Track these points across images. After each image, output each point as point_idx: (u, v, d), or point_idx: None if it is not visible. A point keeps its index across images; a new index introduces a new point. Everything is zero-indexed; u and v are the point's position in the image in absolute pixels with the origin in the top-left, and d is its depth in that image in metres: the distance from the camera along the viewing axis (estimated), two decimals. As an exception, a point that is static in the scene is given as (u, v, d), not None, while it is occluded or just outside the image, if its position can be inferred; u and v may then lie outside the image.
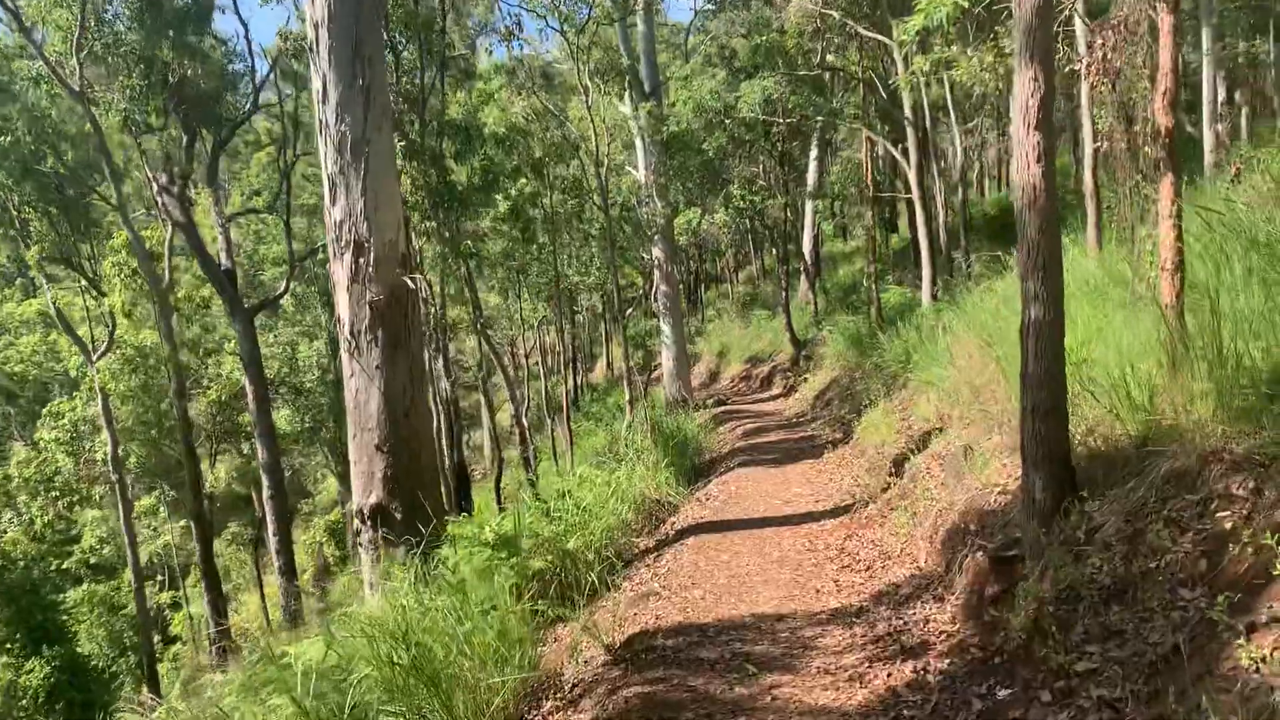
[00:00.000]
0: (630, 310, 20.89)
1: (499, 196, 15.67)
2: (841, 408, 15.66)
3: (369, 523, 8.76)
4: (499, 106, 15.38)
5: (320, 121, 8.44)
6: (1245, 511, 3.66)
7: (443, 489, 19.43)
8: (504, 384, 38.38)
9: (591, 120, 17.69)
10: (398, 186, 8.97)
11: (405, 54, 13.66)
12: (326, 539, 36.73)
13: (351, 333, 8.57)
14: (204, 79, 21.11)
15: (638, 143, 21.60)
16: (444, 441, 15.25)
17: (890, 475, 9.06)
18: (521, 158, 15.69)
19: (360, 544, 9.01)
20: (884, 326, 17.01)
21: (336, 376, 22.00)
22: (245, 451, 31.46)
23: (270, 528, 22.16)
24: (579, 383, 41.02)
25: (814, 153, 29.71)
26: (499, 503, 14.35)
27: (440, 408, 15.61)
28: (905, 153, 17.07)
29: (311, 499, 47.66)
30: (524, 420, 18.95)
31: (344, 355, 8.72)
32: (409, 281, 8.51)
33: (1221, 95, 16.98)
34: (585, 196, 20.83)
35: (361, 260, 8.43)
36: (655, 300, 23.99)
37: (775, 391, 23.58)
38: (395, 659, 4.97)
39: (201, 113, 22.08)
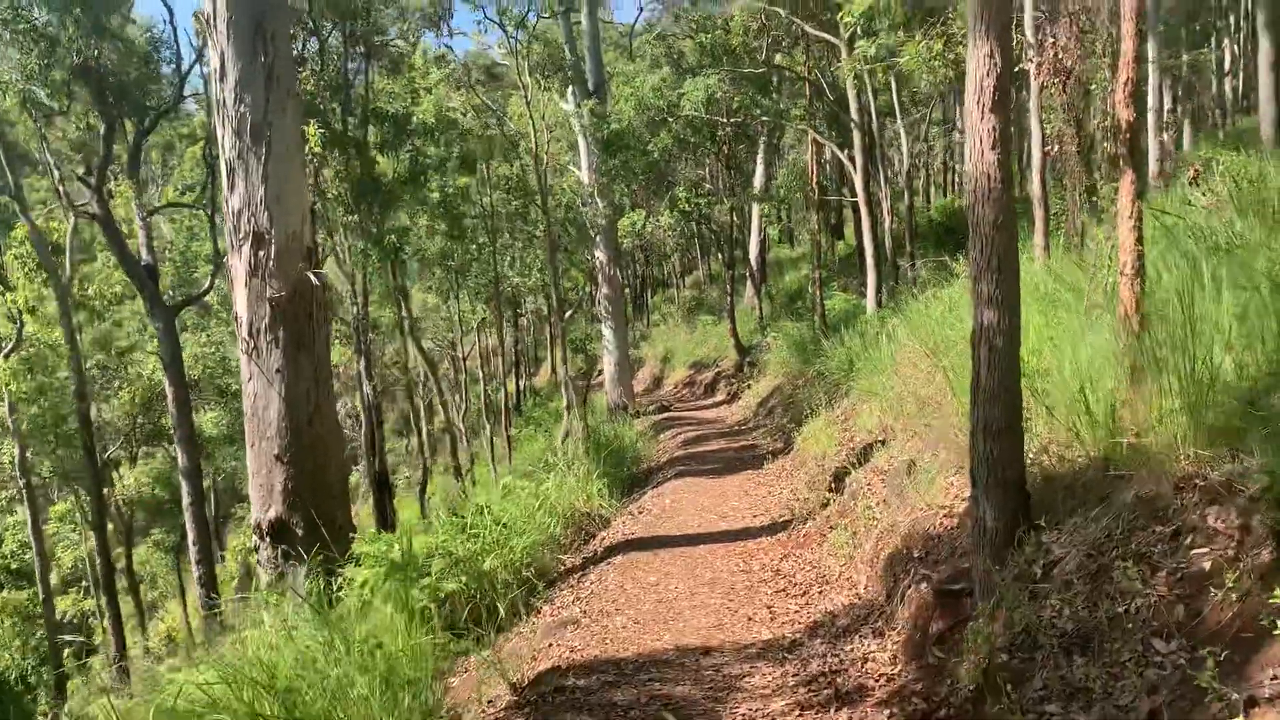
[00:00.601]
0: (571, 313, 20.28)
1: (429, 191, 14.95)
2: (784, 416, 15.20)
3: (267, 539, 8.06)
4: (434, 101, 14.65)
5: (217, 101, 7.73)
6: (1230, 551, 3.17)
7: (372, 499, 18.64)
8: (445, 388, 37.55)
9: (531, 117, 17.07)
10: (304, 174, 8.28)
11: (331, 40, 12.94)
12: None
13: (250, 332, 7.87)
14: (124, 64, 20.06)
15: (580, 142, 20.99)
16: (367, 449, 14.53)
17: (830, 490, 8.56)
18: (453, 151, 14.95)
19: (258, 562, 8.29)
20: (828, 333, 16.61)
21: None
22: (175, 454, 30.22)
23: (190, 536, 21.12)
24: (522, 387, 40.23)
25: (761, 156, 29.36)
26: (424, 514, 13.68)
27: (363, 412, 14.87)
28: (852, 157, 16.68)
29: (246, 503, 46.19)
30: (458, 425, 18.21)
31: (241, 357, 8.01)
32: (313, 277, 7.83)
33: (1167, 104, 16.83)
34: (529, 198, 20.20)
35: (261, 253, 7.73)
36: (597, 303, 23.39)
37: (719, 398, 23.10)
38: (258, 710, 4.31)
39: (123, 101, 21.02)
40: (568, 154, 25.41)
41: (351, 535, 8.13)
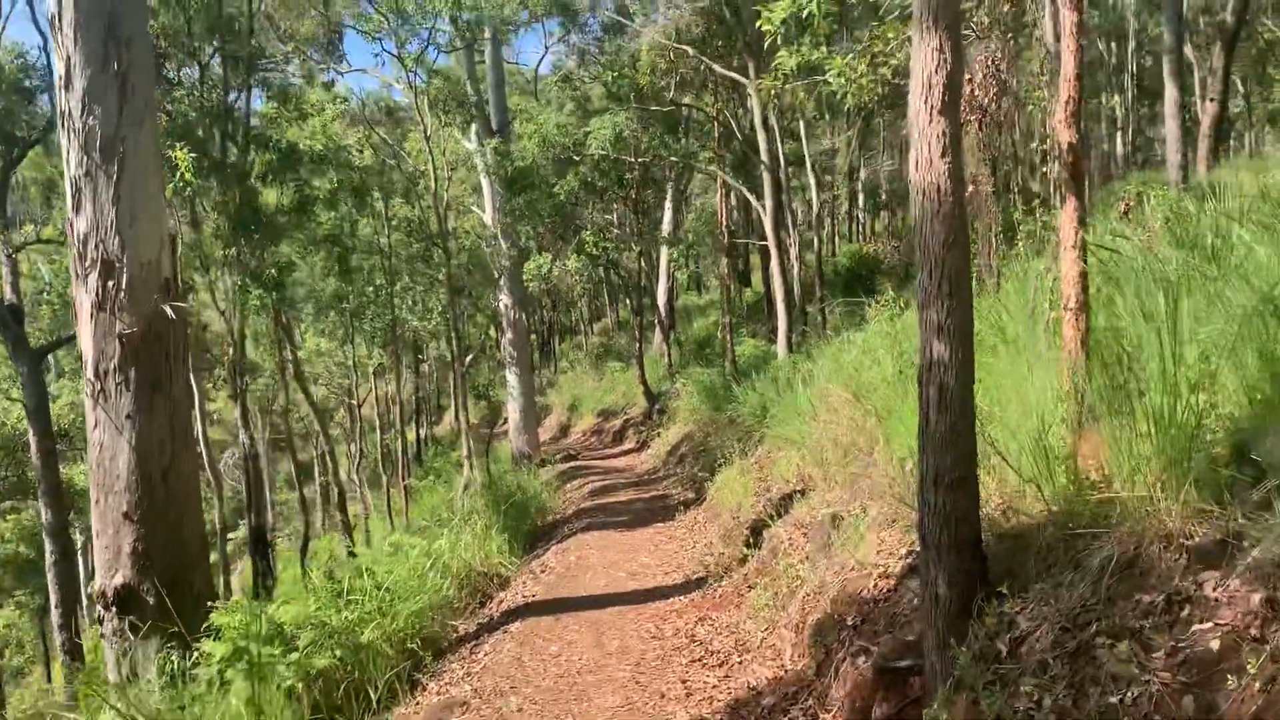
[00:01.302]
0: (472, 357, 19.45)
1: (318, 225, 14.00)
2: (695, 465, 14.63)
3: (113, 609, 7.05)
4: (321, 126, 13.74)
5: (62, 112, 6.84)
6: (1253, 629, 2.62)
7: (253, 561, 17.28)
8: (341, 436, 36.00)
9: (430, 153, 16.36)
10: (162, 195, 7.40)
11: (212, 64, 12.01)
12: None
13: (96, 373, 6.92)
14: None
15: (484, 182, 20.36)
16: (246, 504, 13.40)
17: (747, 544, 7.94)
18: (341, 182, 14.02)
19: (102, 635, 7.26)
20: (739, 379, 16.17)
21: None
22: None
23: (53, 598, 19.39)
24: (423, 436, 38.93)
25: (669, 201, 29.17)
26: (305, 575, 12.58)
27: (244, 464, 13.73)
28: (761, 200, 16.39)
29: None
30: (352, 477, 17.12)
31: (87, 401, 7.04)
32: (170, 310, 6.94)
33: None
34: (431, 240, 19.41)
35: (111, 283, 6.82)
36: (502, 349, 22.64)
37: (628, 446, 22.46)
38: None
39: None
40: (472, 196, 24.72)
41: (212, 604, 7.18)
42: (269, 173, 12.12)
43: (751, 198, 16.55)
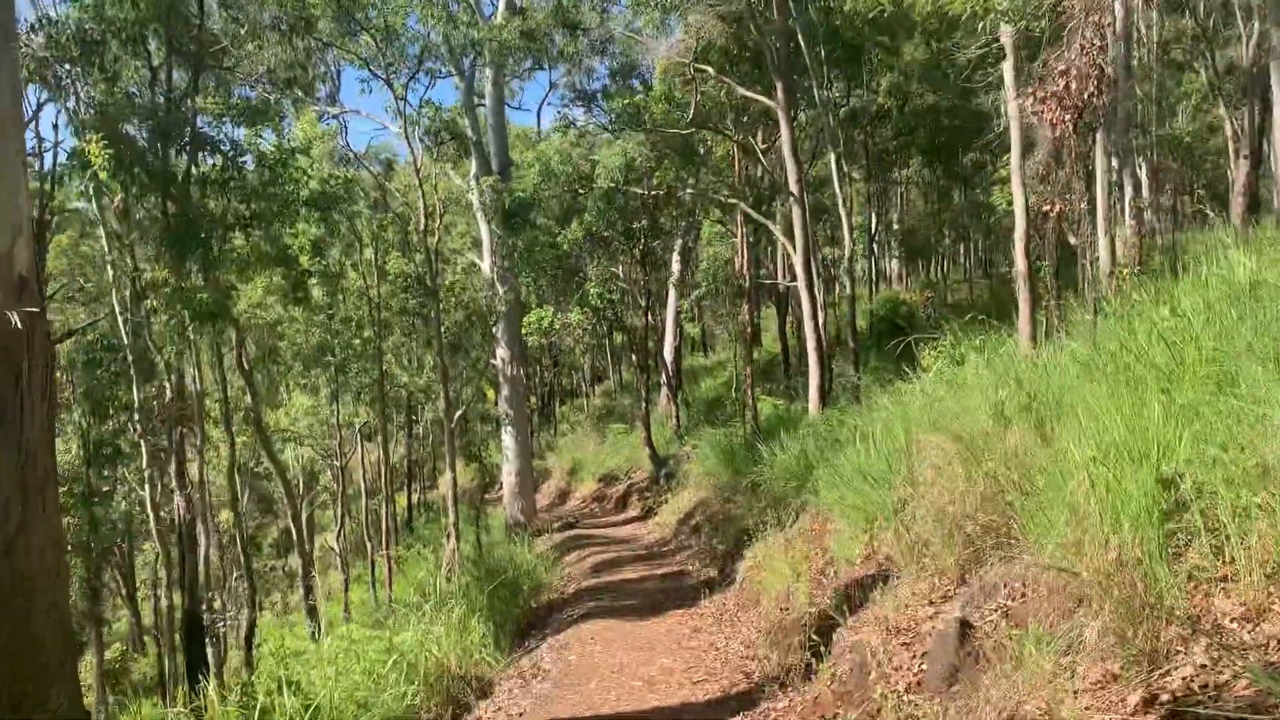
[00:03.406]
0: (462, 411, 17.52)
1: (290, 243, 12.18)
2: (713, 536, 12.64)
3: (-75, 741, 5.01)
4: (278, 139, 11.97)
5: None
6: None
7: (186, 653, 14.65)
8: (324, 503, 33.84)
9: (421, 188, 14.65)
10: (22, 167, 5.50)
11: (153, 49, 10.22)
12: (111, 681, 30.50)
13: (-86, 405, 4.97)
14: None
15: (481, 225, 18.73)
16: (182, 581, 11.31)
17: (811, 650, 5.89)
18: (300, 191, 12.10)
19: (-90, 780, 5.19)
20: (764, 438, 14.24)
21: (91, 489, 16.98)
22: None
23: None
24: (415, 501, 36.79)
25: (677, 251, 27.60)
26: (249, 667, 10.46)
27: (177, 530, 11.62)
28: (790, 234, 14.58)
29: (110, 626, 40.68)
30: (332, 547, 15.04)
31: (-99, 445, 5.08)
32: (16, 319, 5.00)
33: (1129, 190, 14.45)
34: (424, 288, 17.67)
35: (-62, 281, 4.91)
36: (498, 405, 20.81)
37: (632, 514, 20.39)
38: None
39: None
40: (471, 250, 23.12)
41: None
42: (212, 180, 10.20)
43: (777, 231, 14.73)
